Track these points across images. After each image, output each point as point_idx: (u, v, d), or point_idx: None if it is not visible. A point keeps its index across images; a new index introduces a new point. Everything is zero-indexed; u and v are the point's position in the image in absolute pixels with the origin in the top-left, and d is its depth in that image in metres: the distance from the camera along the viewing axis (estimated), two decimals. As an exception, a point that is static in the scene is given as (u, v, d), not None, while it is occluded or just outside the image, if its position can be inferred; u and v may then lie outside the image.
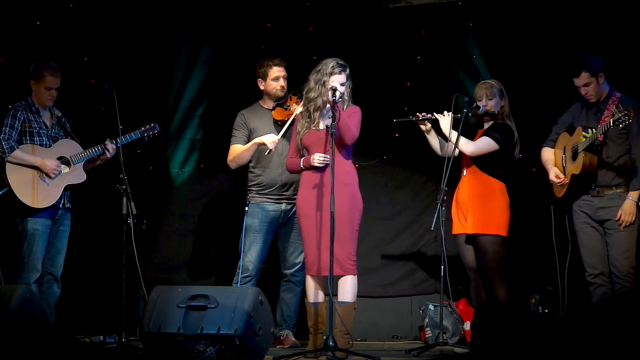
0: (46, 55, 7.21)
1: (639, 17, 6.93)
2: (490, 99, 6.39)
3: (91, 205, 7.08)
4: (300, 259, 6.75)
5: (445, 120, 6.32)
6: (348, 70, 5.96)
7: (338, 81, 5.89)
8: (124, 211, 6.12)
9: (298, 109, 6.53)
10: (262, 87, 6.83)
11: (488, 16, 7.44)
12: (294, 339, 6.78)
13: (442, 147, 6.42)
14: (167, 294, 5.55)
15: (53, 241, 6.40)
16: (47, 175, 6.27)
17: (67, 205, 6.43)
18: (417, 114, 6.40)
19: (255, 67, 6.85)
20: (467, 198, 6.34)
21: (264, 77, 6.79)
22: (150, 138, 6.56)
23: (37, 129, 6.36)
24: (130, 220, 6.12)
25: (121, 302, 6.13)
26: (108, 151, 6.39)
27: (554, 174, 6.20)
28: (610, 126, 5.81)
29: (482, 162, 6.33)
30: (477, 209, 6.29)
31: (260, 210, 6.73)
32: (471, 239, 6.34)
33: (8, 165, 6.25)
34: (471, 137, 6.42)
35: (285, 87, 6.79)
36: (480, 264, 6.30)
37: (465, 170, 6.42)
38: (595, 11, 7.07)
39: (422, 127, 6.42)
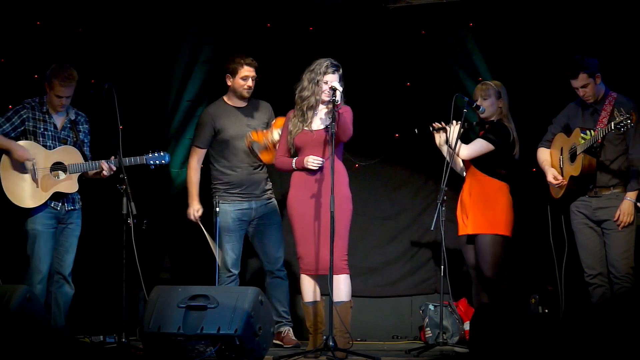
0: (46, 55, 7.23)
1: (636, 17, 6.94)
2: (485, 99, 6.40)
3: (91, 205, 7.07)
4: (281, 252, 6.80)
5: (453, 129, 6.35)
6: (341, 71, 5.96)
7: (332, 80, 5.89)
8: (124, 211, 6.12)
9: (274, 134, 6.50)
10: (229, 83, 6.81)
11: (488, 16, 7.44)
12: (295, 338, 6.79)
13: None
14: (167, 294, 5.55)
15: (61, 240, 6.41)
16: (17, 160, 6.24)
17: (69, 207, 6.42)
18: (434, 124, 6.42)
19: (227, 61, 6.82)
20: (468, 198, 6.35)
21: (233, 74, 6.76)
22: (156, 166, 6.51)
23: (43, 129, 6.36)
24: (130, 220, 6.12)
25: (121, 302, 6.13)
26: (103, 171, 6.38)
27: (552, 175, 6.20)
28: (611, 130, 5.80)
29: (479, 163, 6.35)
30: (477, 209, 6.30)
31: (231, 209, 6.74)
32: (472, 239, 6.35)
33: (4, 157, 6.27)
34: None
35: (252, 88, 6.78)
36: (479, 264, 6.31)
37: (466, 172, 6.45)
38: (594, 11, 7.07)
39: (437, 139, 6.44)
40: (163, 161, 6.49)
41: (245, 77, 6.74)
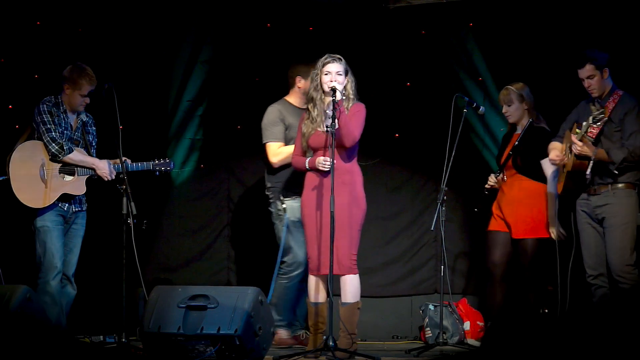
0: (46, 55, 7.23)
1: (637, 16, 6.94)
2: (509, 105, 6.45)
3: (91, 205, 7.07)
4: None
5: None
6: (344, 63, 5.93)
7: (333, 70, 5.86)
8: (124, 211, 6.12)
9: None
10: (300, 85, 6.76)
11: (488, 16, 7.45)
12: None
13: None
14: (167, 294, 5.55)
15: (65, 240, 6.40)
16: (101, 177, 6.28)
17: (76, 208, 6.42)
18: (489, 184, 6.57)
19: (300, 65, 6.79)
20: (517, 202, 6.45)
21: (305, 77, 6.72)
22: (161, 173, 6.52)
23: (62, 129, 6.36)
24: (130, 220, 6.12)
25: (121, 302, 6.13)
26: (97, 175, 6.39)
27: (554, 154, 6.17)
28: (590, 124, 5.81)
29: (527, 170, 6.45)
30: (527, 214, 6.42)
31: (297, 205, 6.67)
32: (516, 241, 6.45)
33: (14, 156, 6.26)
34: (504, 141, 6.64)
35: None
36: (521, 264, 6.44)
37: (505, 175, 6.48)
38: (595, 10, 7.07)
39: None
40: (169, 168, 6.49)
41: None
